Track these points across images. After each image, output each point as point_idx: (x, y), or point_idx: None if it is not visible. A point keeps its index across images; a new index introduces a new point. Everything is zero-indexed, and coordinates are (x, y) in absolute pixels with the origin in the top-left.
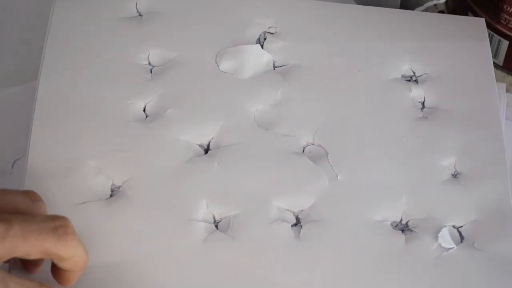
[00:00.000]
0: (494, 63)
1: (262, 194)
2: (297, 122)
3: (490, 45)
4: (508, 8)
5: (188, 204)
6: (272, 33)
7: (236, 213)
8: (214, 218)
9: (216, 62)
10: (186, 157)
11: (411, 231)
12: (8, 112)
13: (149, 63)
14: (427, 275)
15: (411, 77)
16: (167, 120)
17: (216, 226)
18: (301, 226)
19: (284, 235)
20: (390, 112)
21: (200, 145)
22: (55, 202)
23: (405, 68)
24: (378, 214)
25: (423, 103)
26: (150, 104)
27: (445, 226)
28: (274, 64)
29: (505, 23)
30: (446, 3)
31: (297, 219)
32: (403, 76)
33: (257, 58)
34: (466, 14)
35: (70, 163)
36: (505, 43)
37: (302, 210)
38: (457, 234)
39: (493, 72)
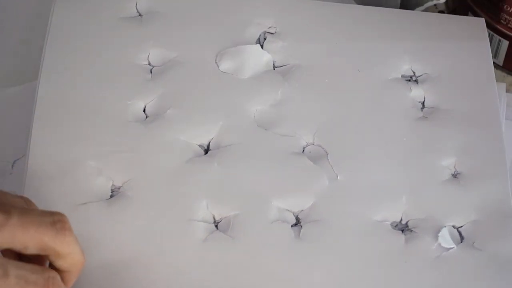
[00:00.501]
0: (494, 63)
1: (262, 194)
2: (297, 122)
3: (490, 45)
4: (508, 8)
5: (188, 204)
6: (272, 33)
7: (236, 213)
8: (214, 218)
9: (216, 62)
10: (186, 157)
11: (411, 231)
12: (8, 112)
13: (149, 63)
14: (427, 275)
15: (411, 77)
16: (167, 121)
17: (216, 226)
18: (301, 226)
19: (284, 235)
20: (390, 112)
21: (200, 145)
22: (55, 202)
23: (405, 68)
24: (378, 214)
25: (423, 103)
26: (150, 104)
27: (445, 226)
28: (274, 64)
29: (505, 23)
30: (446, 3)
31: (297, 219)
32: (403, 76)
33: (257, 58)
34: (466, 14)
35: (70, 164)
36: (505, 43)
37: (302, 210)
38: (457, 234)
39: (493, 72)
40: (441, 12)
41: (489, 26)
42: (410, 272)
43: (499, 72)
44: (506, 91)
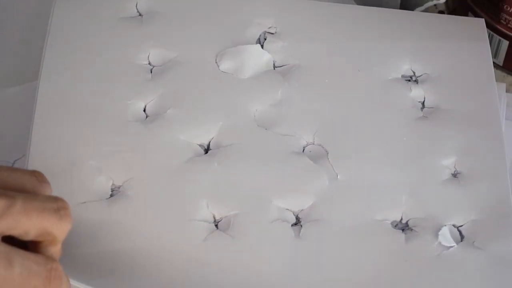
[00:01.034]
0: (494, 63)
1: (262, 194)
2: (297, 122)
3: (490, 45)
4: (508, 8)
5: (188, 204)
6: (272, 33)
7: (236, 213)
8: (214, 218)
9: (216, 62)
10: (186, 157)
11: (411, 230)
12: (8, 112)
13: (149, 63)
14: (428, 274)
15: (411, 77)
16: (167, 120)
17: (216, 226)
18: (301, 226)
19: (284, 235)
20: (390, 112)
21: (200, 145)
22: None
23: (405, 68)
24: (378, 213)
25: (423, 103)
26: (150, 104)
27: (445, 225)
28: (274, 64)
29: (505, 23)
30: (446, 3)
31: (297, 218)
32: (403, 76)
33: (257, 58)
34: (466, 14)
35: (70, 163)
36: (505, 43)
37: (302, 210)
38: (457, 233)
39: (493, 73)
40: (441, 12)
41: (489, 26)
42: (410, 271)
43: (499, 72)
44: (506, 91)
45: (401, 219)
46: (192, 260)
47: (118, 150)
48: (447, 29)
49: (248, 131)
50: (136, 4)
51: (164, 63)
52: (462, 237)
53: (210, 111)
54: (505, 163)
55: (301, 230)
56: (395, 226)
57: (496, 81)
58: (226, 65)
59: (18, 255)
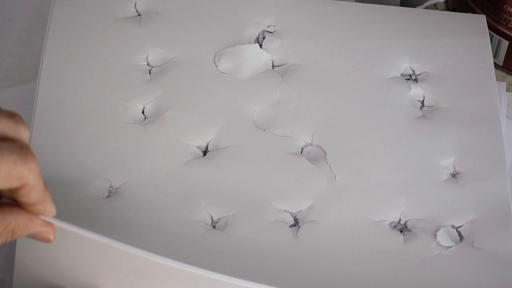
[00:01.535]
0: (494, 63)
1: (260, 195)
2: (295, 122)
3: (490, 45)
4: (508, 8)
5: (186, 206)
6: (271, 32)
7: (234, 214)
8: (212, 219)
9: (214, 63)
10: (184, 159)
11: (410, 231)
12: None
13: (148, 64)
14: (426, 274)
15: (410, 75)
16: (165, 122)
17: (214, 227)
18: (299, 227)
19: (282, 236)
20: (389, 111)
21: (198, 147)
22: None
23: (405, 67)
24: (376, 214)
25: (422, 102)
26: (149, 105)
27: (444, 226)
28: (273, 64)
29: (505, 23)
30: (446, 3)
31: (295, 219)
32: (402, 75)
33: (256, 58)
34: None
35: (68, 165)
36: (505, 43)
37: (300, 211)
38: (456, 234)
39: (493, 69)
40: None
41: (489, 26)
42: (409, 271)
43: (499, 72)
44: (506, 91)
45: (400, 220)
46: (190, 261)
47: (117, 153)
48: (448, 26)
49: (246, 132)
50: (135, 4)
51: (162, 63)
52: (461, 237)
53: (208, 113)
54: (505, 163)
55: (299, 231)
56: (394, 227)
57: (496, 80)
58: (224, 65)
59: None
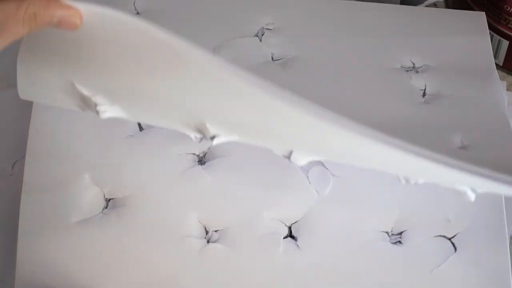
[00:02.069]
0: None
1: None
2: None
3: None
4: (508, 8)
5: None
6: (270, 29)
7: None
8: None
9: None
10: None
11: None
12: (8, 112)
13: None
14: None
15: (410, 68)
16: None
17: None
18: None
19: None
20: (389, 110)
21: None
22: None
23: (405, 59)
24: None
25: (424, 91)
26: None
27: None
28: (272, 57)
29: (505, 23)
30: (445, 2)
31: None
32: (402, 67)
33: (255, 50)
34: None
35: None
36: (505, 43)
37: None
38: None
39: (494, 64)
40: None
41: (489, 26)
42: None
43: (499, 72)
44: (506, 91)
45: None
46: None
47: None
48: (448, 23)
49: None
50: (134, 2)
51: None
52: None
53: None
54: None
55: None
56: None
57: None
58: None
59: None
